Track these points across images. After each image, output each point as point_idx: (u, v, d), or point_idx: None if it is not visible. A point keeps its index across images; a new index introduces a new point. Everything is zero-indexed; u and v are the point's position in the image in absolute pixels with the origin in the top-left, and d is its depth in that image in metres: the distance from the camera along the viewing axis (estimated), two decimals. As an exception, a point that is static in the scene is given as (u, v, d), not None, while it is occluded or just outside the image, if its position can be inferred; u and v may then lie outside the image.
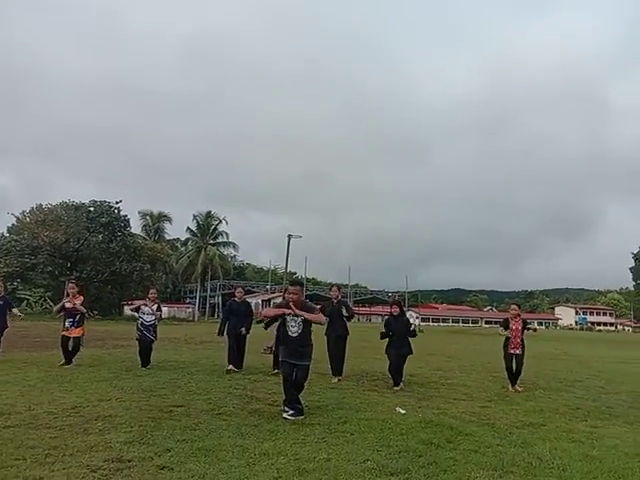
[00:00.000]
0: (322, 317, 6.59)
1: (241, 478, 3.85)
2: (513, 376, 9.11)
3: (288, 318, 6.32)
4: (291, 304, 6.30)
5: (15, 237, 45.07)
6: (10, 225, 51.17)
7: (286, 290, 10.90)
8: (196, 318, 56.52)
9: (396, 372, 8.80)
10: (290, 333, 6.30)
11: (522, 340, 9.18)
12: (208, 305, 68.66)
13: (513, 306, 9.66)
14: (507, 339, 9.23)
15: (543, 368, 12.95)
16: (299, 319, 6.24)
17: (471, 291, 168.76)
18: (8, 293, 11.68)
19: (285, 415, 5.98)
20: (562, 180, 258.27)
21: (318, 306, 7.57)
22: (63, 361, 9.95)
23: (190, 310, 59.78)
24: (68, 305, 10.24)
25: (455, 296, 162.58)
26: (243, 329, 10.08)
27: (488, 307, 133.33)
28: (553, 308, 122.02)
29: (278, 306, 6.70)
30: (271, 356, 10.30)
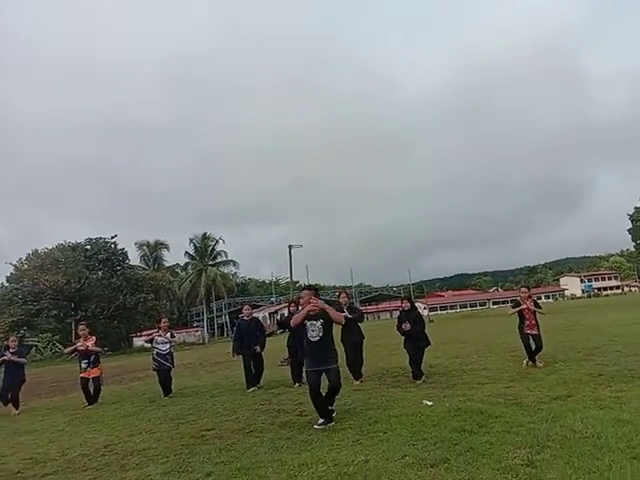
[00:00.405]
0: (341, 317, 6.54)
1: (286, 491, 3.89)
2: (533, 353, 9.21)
3: (308, 323, 6.29)
4: (311, 303, 6.26)
5: (15, 285, 45.04)
6: (9, 274, 51.12)
7: (292, 302, 10.99)
8: (206, 340, 56.43)
9: (416, 365, 8.87)
10: (311, 338, 6.28)
11: (536, 320, 9.30)
12: (216, 326, 68.68)
13: (523, 289, 9.80)
14: (521, 321, 9.35)
15: (559, 340, 13.02)
16: (318, 323, 6.22)
17: (474, 274, 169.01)
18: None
19: (315, 425, 6.02)
20: (549, 154, 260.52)
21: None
22: (86, 403, 9.97)
23: (199, 333, 59.66)
24: (81, 348, 10.28)
25: (459, 281, 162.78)
26: (257, 347, 10.00)
27: (493, 288, 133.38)
28: (558, 280, 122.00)
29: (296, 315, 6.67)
30: (289, 367, 10.33)
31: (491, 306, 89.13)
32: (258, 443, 5.45)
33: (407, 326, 8.84)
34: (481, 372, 9.16)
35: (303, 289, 6.77)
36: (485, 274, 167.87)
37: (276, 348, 14.09)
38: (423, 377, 8.75)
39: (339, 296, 9.86)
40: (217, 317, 69.61)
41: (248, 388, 9.71)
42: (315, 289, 6.63)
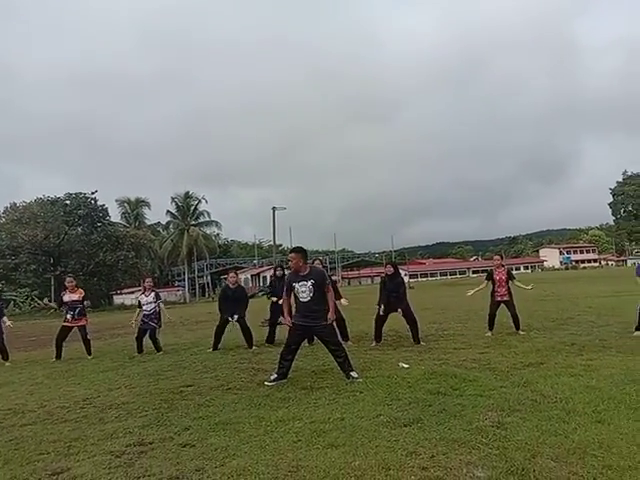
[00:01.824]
0: (331, 292, 6.55)
1: (262, 446, 3.97)
2: (515, 324, 9.45)
3: (297, 285, 6.28)
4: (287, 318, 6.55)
5: (-7, 239, 44.31)
6: (-15, 228, 50.26)
7: (277, 266, 10.97)
8: (187, 300, 56.59)
9: (414, 326, 9.06)
10: (302, 299, 6.28)
11: (508, 288, 9.44)
12: (197, 286, 68.71)
13: (496, 256, 9.99)
14: (493, 287, 9.51)
15: (535, 309, 13.33)
16: (309, 283, 6.21)
17: (455, 243, 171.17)
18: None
19: (267, 382, 6.23)
20: (536, 122, 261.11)
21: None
22: (54, 359, 10.05)
23: (180, 293, 59.79)
24: (66, 298, 10.27)
25: (440, 250, 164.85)
26: (236, 316, 9.79)
27: (474, 257, 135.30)
28: (537, 251, 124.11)
29: (287, 281, 6.58)
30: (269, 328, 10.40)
31: (471, 275, 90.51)
32: (236, 400, 5.54)
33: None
34: (457, 338, 9.36)
35: (291, 251, 6.66)
36: (466, 243, 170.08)
37: (257, 309, 14.19)
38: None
39: (313, 263, 9.68)
40: (199, 277, 69.62)
41: (212, 349, 9.77)
42: (303, 251, 6.56)
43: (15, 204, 46.22)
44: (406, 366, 6.75)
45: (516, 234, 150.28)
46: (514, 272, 10.16)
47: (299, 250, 6.54)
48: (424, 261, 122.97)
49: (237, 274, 10.82)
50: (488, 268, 10.39)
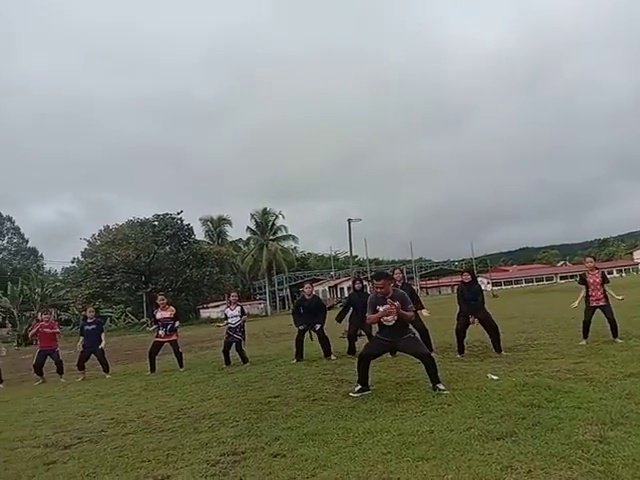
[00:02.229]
0: (411, 314, 6.49)
1: (352, 457, 3.98)
2: (613, 331, 8.86)
3: (380, 309, 6.28)
4: (389, 306, 6.17)
5: (90, 260, 47.68)
6: (83, 250, 54.18)
7: (357, 279, 11.07)
8: (269, 312, 57.87)
9: (496, 336, 8.81)
10: (386, 323, 6.31)
11: (604, 291, 8.89)
12: (278, 299, 70.19)
13: (588, 259, 9.45)
14: (587, 292, 8.99)
15: (633, 316, 12.43)
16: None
17: (540, 248, 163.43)
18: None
19: (351, 393, 6.20)
20: (620, 118, 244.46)
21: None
22: (149, 372, 10.57)
23: (262, 306, 61.24)
24: (159, 316, 10.87)
25: (524, 255, 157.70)
26: (317, 325, 10.03)
27: (561, 262, 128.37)
28: (631, 253, 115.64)
29: (372, 303, 6.47)
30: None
31: (559, 281, 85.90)
32: (323, 411, 5.59)
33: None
34: (549, 347, 8.93)
35: (375, 278, 6.66)
36: (552, 247, 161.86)
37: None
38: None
39: (393, 273, 9.48)
40: (279, 290, 71.13)
41: (296, 360, 9.97)
42: (388, 276, 6.66)
43: (108, 227, 49.50)
44: (495, 378, 6.52)
45: (606, 236, 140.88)
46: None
47: (385, 275, 6.65)
48: (507, 268, 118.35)
49: (312, 285, 11.06)
50: (578, 273, 9.78)
